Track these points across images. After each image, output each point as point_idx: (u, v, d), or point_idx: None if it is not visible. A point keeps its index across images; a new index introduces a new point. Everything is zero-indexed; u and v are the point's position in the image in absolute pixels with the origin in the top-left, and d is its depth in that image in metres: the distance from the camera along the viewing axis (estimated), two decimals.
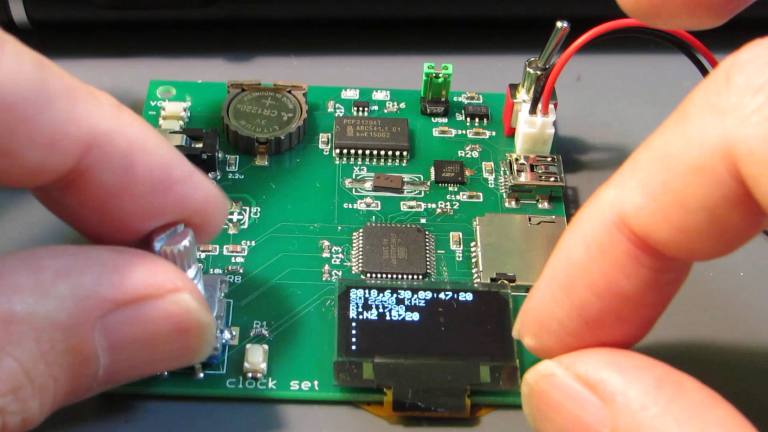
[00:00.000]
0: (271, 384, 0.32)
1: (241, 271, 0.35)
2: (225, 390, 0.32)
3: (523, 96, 0.39)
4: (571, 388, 0.27)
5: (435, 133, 0.40)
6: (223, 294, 0.33)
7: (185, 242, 0.29)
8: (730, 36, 0.40)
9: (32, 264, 0.26)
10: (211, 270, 0.35)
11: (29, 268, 0.26)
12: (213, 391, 0.32)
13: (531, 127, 0.39)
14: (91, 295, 0.26)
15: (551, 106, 0.38)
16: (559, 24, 0.37)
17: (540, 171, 0.38)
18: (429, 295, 0.34)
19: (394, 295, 0.34)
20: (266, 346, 0.33)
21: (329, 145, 0.40)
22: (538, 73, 0.38)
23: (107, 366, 0.27)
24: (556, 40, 0.37)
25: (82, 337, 0.26)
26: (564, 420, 0.27)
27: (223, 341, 0.33)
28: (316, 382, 0.32)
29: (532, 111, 0.38)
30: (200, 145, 0.38)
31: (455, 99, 0.42)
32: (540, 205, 0.38)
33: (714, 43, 0.36)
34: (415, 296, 0.34)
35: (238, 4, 0.42)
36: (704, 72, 0.37)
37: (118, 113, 0.27)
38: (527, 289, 0.35)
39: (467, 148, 0.40)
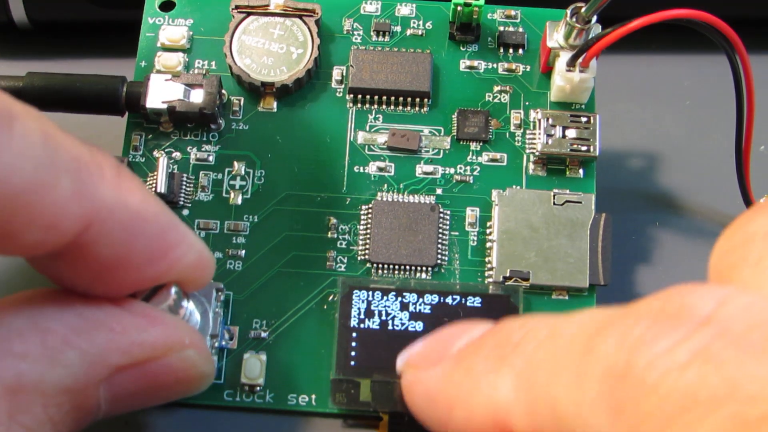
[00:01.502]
0: (268, 397, 0.32)
1: (242, 254, 0.33)
2: (223, 402, 0.32)
3: (560, 41, 0.34)
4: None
5: (462, 67, 0.36)
6: (218, 304, 0.32)
7: (170, 301, 0.28)
8: (749, 37, 0.35)
9: (40, 327, 0.26)
10: (213, 253, 0.33)
11: (37, 332, 0.25)
12: (211, 401, 0.32)
13: (568, 82, 0.34)
14: (100, 360, 0.26)
15: (593, 59, 0.34)
16: None
17: (572, 135, 0.34)
18: (436, 299, 0.32)
19: (399, 299, 0.32)
20: (264, 357, 0.32)
21: (343, 85, 0.36)
22: (578, 26, 0.33)
23: (107, 410, 0.27)
24: None
25: (87, 396, 0.26)
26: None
27: (222, 344, 0.32)
28: (313, 396, 0.32)
29: (571, 64, 0.34)
30: (199, 98, 0.34)
31: (489, 16, 0.37)
32: (569, 173, 0.35)
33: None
34: (421, 300, 0.32)
35: None
36: (736, 73, 0.32)
37: (120, 182, 0.26)
38: (542, 288, 0.33)
39: (496, 90, 0.36)
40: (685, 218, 0.37)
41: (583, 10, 0.33)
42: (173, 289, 0.28)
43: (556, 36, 0.35)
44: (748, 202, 0.35)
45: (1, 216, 0.23)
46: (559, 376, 0.23)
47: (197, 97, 0.34)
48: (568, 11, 0.34)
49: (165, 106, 0.34)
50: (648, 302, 0.22)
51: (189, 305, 0.30)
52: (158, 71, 0.35)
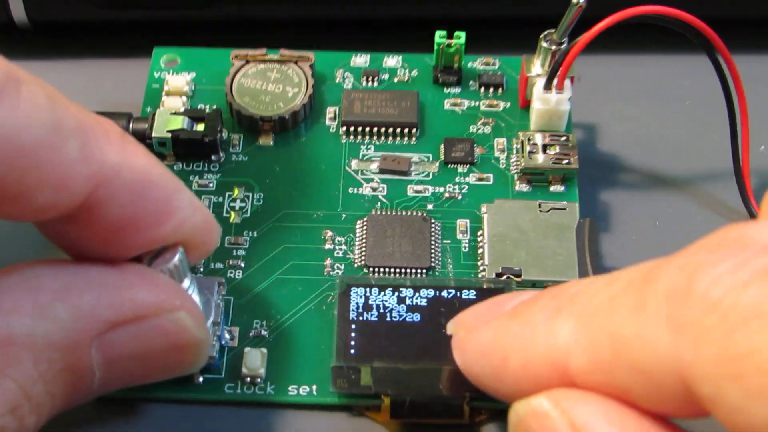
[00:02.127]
0: (269, 389, 0.32)
1: (242, 265, 0.35)
2: (224, 395, 0.32)
3: (538, 69, 0.37)
4: None
5: (446, 105, 0.39)
6: (220, 297, 0.33)
7: (175, 261, 0.29)
8: (748, 37, 0.38)
9: (31, 284, 0.26)
10: (212, 264, 0.35)
11: (28, 289, 0.26)
12: (212, 396, 0.32)
13: (545, 104, 0.37)
14: (90, 316, 0.26)
15: (567, 82, 0.37)
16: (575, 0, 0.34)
17: (553, 152, 0.37)
18: (431, 293, 0.33)
19: (396, 294, 0.33)
20: (265, 350, 0.32)
21: (336, 122, 0.38)
22: (553, 48, 0.36)
23: (102, 378, 0.28)
24: (572, 16, 0.35)
25: (79, 356, 0.26)
26: None
27: (222, 342, 0.33)
28: (314, 387, 0.32)
29: (547, 87, 0.37)
30: (202, 128, 0.37)
31: (470, 65, 0.40)
32: (552, 188, 0.37)
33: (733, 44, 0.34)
34: (417, 294, 0.33)
35: (238, 4, 0.41)
36: (719, 71, 0.35)
37: (125, 145, 0.27)
38: (533, 284, 0.34)
39: (479, 123, 0.38)
40: (685, 218, 0.37)
41: (554, 34, 0.36)
42: (177, 256, 0.29)
43: (533, 67, 0.37)
44: (747, 202, 0.36)
45: (12, 176, 0.24)
46: (619, 308, 0.23)
47: (200, 128, 0.37)
48: (542, 37, 0.37)
49: (169, 135, 0.36)
50: (706, 238, 0.23)
51: (193, 284, 0.30)
52: None
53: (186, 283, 0.30)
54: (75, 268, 0.27)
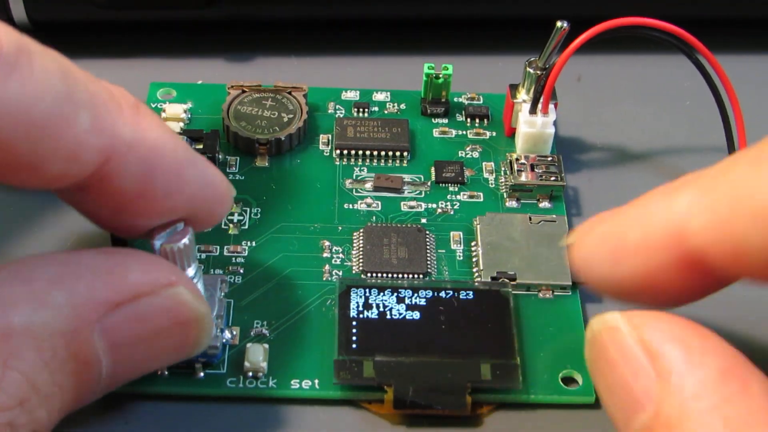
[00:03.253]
0: (271, 383, 0.32)
1: (241, 271, 0.35)
2: (225, 389, 0.32)
3: (524, 96, 0.39)
4: (631, 351, 0.26)
5: (435, 133, 0.40)
6: (223, 293, 0.33)
7: (185, 240, 0.29)
8: (731, 37, 0.40)
9: (24, 275, 0.26)
10: (212, 270, 0.35)
11: (22, 279, 0.26)
12: (213, 390, 0.32)
13: (531, 127, 0.39)
14: (87, 299, 0.26)
15: (551, 105, 0.38)
16: (559, 24, 0.37)
17: (540, 170, 0.38)
18: (429, 293, 0.34)
19: (395, 294, 0.34)
20: (266, 345, 0.33)
21: (330, 146, 0.40)
22: (538, 73, 0.38)
23: (109, 367, 0.27)
24: (556, 40, 0.37)
25: (82, 342, 0.26)
26: (615, 380, 0.27)
27: (224, 341, 0.33)
28: (316, 381, 0.32)
29: (532, 111, 0.38)
30: (200, 147, 0.38)
31: (456, 100, 0.42)
32: (541, 205, 0.38)
33: (714, 44, 0.36)
34: (416, 295, 0.34)
35: (238, 5, 0.42)
36: (703, 72, 0.37)
37: (138, 117, 0.27)
38: (528, 287, 0.35)
39: (468, 149, 0.40)
40: None
41: (538, 60, 0.38)
42: (187, 237, 0.29)
43: (519, 94, 0.39)
44: None
45: (24, 146, 0.25)
46: (738, 164, 0.25)
47: (198, 147, 0.38)
48: (526, 63, 0.39)
49: None
50: None
51: (198, 271, 0.31)
52: None
53: (192, 270, 0.30)
54: (66, 256, 0.27)
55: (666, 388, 0.25)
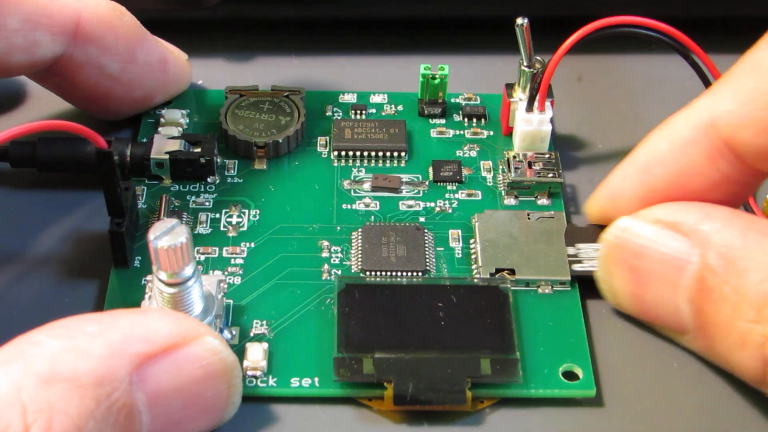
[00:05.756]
0: (271, 381, 0.32)
1: (240, 272, 0.35)
2: None
3: (520, 95, 0.39)
4: (652, 231, 0.29)
5: (433, 134, 0.41)
6: (222, 293, 0.33)
7: (182, 238, 0.29)
8: (725, 37, 0.40)
9: (65, 331, 0.27)
10: (211, 272, 0.35)
11: (63, 335, 0.27)
12: None
13: (528, 125, 0.39)
14: (123, 349, 0.27)
15: (548, 103, 0.39)
16: (519, 20, 0.37)
17: (538, 168, 0.38)
18: (429, 289, 0.34)
19: (394, 291, 0.34)
20: (266, 344, 0.33)
21: (327, 148, 0.40)
22: (533, 71, 0.38)
23: (149, 423, 0.28)
24: (524, 38, 0.37)
25: (123, 393, 0.27)
26: (649, 263, 0.29)
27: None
28: (316, 379, 0.32)
29: (529, 109, 0.39)
30: (198, 150, 0.38)
31: (452, 100, 0.42)
32: (539, 202, 0.38)
33: (708, 44, 0.36)
34: (415, 291, 0.34)
35: (238, 5, 0.42)
36: (699, 71, 0.37)
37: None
38: (527, 283, 0.35)
39: (465, 148, 0.40)
40: None
41: (521, 60, 0.38)
42: (185, 235, 0.29)
43: (515, 93, 0.39)
44: (747, 205, 0.37)
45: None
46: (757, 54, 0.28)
47: (197, 149, 0.38)
48: (520, 61, 0.39)
49: (167, 156, 0.37)
50: None
51: (197, 272, 0.31)
52: None
53: (190, 268, 0.30)
54: (102, 315, 0.28)
55: (699, 237, 0.28)
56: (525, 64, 0.38)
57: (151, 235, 0.29)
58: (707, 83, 0.36)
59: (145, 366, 0.27)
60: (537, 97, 0.38)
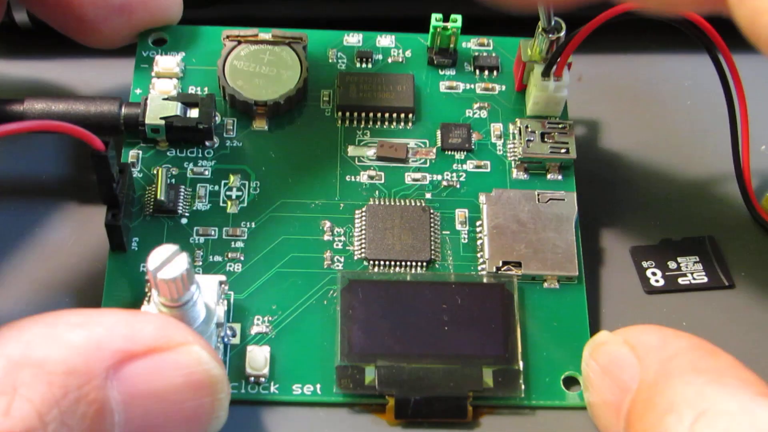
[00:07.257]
0: (273, 388, 0.32)
1: (241, 258, 0.34)
2: None
3: (534, 56, 0.37)
4: (617, 351, 0.30)
5: (442, 88, 0.38)
6: (223, 296, 0.33)
7: (182, 270, 0.29)
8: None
9: (49, 320, 0.27)
10: (211, 257, 0.34)
11: (46, 323, 0.26)
12: None
13: (543, 91, 0.37)
14: (103, 344, 0.27)
15: (565, 69, 0.36)
16: None
17: (551, 141, 0.36)
18: (433, 289, 0.33)
19: (398, 290, 0.33)
20: (268, 349, 0.32)
21: (331, 105, 0.38)
22: (551, 38, 0.36)
23: (123, 424, 0.27)
24: None
25: (95, 387, 0.26)
26: (610, 383, 0.30)
27: (225, 341, 0.33)
28: (318, 386, 0.32)
29: (546, 74, 0.36)
30: (196, 113, 0.36)
31: (464, 45, 0.39)
32: (549, 176, 0.37)
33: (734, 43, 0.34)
34: (419, 290, 0.33)
35: (238, 5, 0.40)
36: (721, 71, 0.35)
37: None
38: (534, 277, 0.34)
39: (475, 107, 0.38)
40: (684, 218, 0.38)
41: (540, 23, 0.36)
42: (185, 266, 0.29)
43: (530, 52, 0.37)
44: (748, 201, 0.37)
45: None
46: None
47: (193, 114, 0.36)
48: (539, 25, 0.36)
49: (163, 122, 0.36)
50: None
51: (198, 290, 0.30)
52: None
53: (192, 290, 0.30)
54: (91, 310, 0.28)
55: (645, 362, 0.29)
56: (544, 26, 0.36)
57: (151, 265, 0.28)
58: (725, 81, 0.35)
59: (124, 364, 0.27)
60: (556, 64, 0.36)
